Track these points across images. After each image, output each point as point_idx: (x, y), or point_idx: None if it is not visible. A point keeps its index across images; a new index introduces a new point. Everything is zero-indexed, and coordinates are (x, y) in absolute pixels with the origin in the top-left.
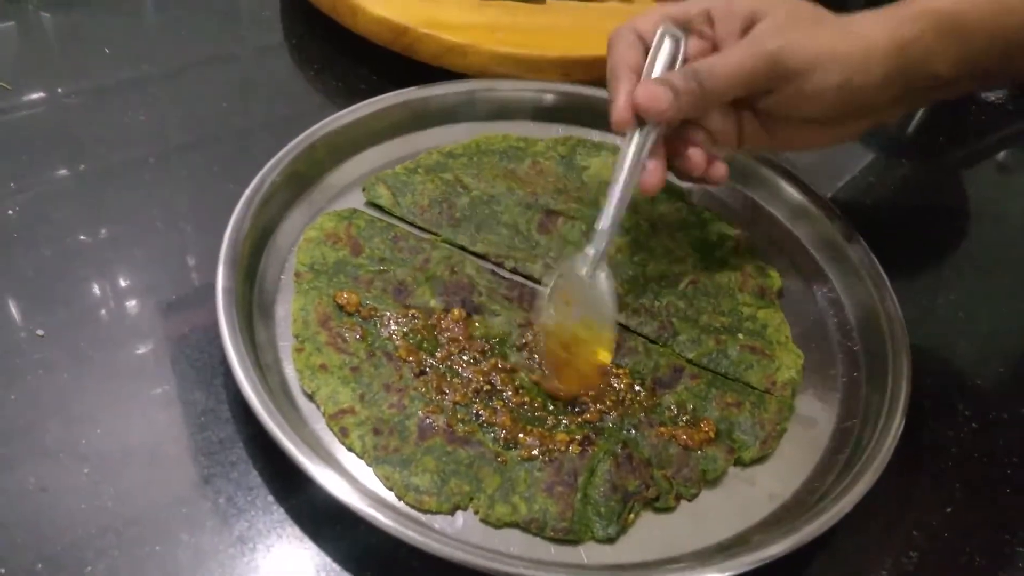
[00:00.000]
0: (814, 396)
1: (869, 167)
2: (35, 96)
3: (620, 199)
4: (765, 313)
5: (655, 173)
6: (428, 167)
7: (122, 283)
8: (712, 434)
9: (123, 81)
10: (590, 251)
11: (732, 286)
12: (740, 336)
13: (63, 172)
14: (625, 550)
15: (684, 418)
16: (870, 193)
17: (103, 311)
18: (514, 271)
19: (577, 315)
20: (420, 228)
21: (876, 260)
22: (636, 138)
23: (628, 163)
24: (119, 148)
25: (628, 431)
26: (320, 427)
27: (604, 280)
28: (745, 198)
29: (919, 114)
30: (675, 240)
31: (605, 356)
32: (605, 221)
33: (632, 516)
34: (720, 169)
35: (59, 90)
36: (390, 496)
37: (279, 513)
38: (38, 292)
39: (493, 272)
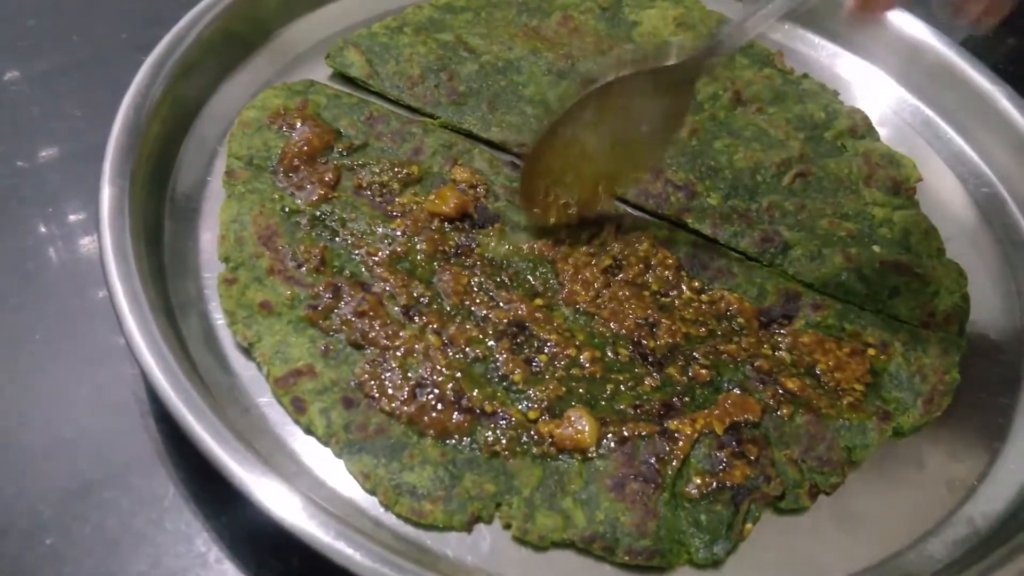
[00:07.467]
0: (988, 330)
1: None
2: None
3: None
4: (904, 215)
5: None
6: (418, 25)
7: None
8: (861, 390)
9: None
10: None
11: (855, 179)
12: (876, 248)
13: None
14: None
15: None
16: None
17: None
18: None
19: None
20: (408, 108)
21: None
22: None
23: None
24: None
25: (729, 391)
26: (265, 400)
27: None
28: (847, 59)
29: None
30: (769, 118)
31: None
32: None
33: (748, 525)
34: None
35: None
36: (372, 504)
37: (202, 540)
38: None
39: (514, 165)
